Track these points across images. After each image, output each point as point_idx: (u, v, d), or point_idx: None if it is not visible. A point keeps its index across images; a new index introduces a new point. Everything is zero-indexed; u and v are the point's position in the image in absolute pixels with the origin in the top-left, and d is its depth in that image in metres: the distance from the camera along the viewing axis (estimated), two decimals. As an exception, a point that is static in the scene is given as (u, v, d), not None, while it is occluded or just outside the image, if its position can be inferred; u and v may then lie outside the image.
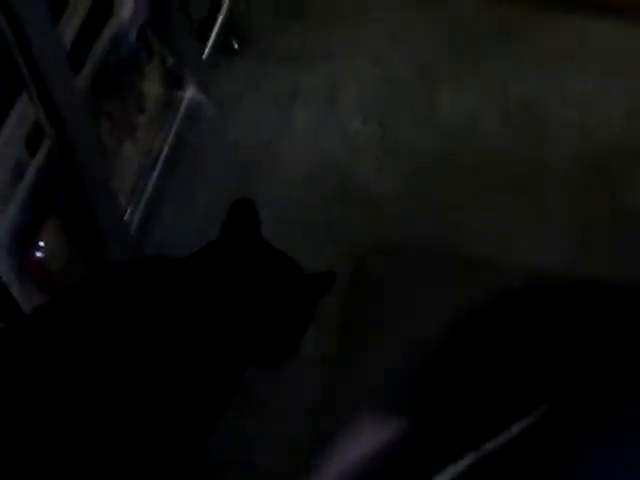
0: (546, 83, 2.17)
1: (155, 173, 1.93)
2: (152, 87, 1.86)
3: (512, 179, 2.05)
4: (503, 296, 1.28)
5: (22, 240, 1.53)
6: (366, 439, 0.91)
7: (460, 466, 0.93)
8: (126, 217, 1.84)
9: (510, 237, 1.98)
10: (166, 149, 1.95)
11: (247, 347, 1.44)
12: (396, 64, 2.22)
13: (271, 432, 1.78)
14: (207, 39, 2.10)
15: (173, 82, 1.95)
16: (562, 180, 2.05)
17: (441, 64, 2.22)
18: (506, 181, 2.05)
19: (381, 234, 2.00)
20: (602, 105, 2.13)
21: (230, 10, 2.16)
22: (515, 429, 0.96)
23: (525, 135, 2.12)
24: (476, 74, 2.19)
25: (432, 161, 2.08)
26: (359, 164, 2.09)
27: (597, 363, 1.18)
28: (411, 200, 2.03)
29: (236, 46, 2.23)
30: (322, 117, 2.16)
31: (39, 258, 1.55)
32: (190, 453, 1.39)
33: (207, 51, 2.10)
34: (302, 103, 2.18)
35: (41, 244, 1.56)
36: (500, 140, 2.11)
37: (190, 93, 1.97)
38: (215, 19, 2.12)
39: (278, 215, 2.02)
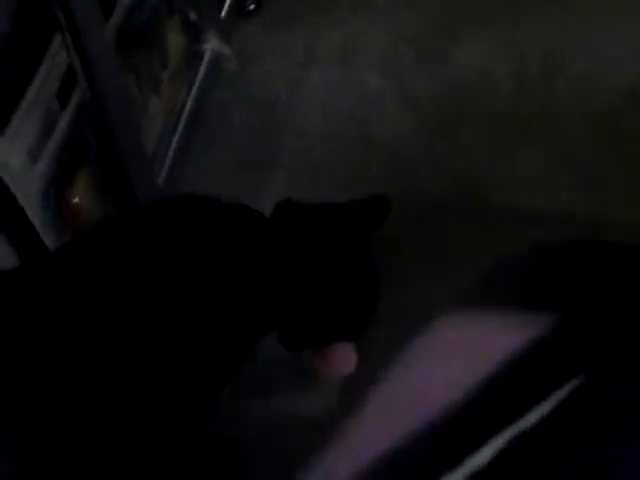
0: (559, 38, 2.21)
1: (179, 128, 1.96)
2: (174, 41, 1.89)
3: (526, 131, 2.08)
4: (535, 250, 1.31)
5: (57, 188, 1.56)
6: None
7: (498, 443, 0.94)
8: (154, 169, 1.87)
9: (527, 188, 2.00)
10: (189, 104, 1.99)
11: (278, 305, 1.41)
12: (411, 20, 2.27)
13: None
14: (224, 1, 2.14)
15: (195, 37, 1.98)
16: (576, 133, 2.08)
17: (455, 20, 2.26)
18: (521, 133, 2.08)
19: (400, 185, 2.03)
20: (615, 60, 2.17)
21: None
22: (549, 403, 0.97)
23: (538, 88, 2.15)
24: (490, 29, 2.22)
25: (448, 113, 2.11)
26: (377, 118, 2.12)
27: (626, 327, 1.21)
28: (429, 152, 2.06)
29: (252, 7, 2.26)
30: (339, 73, 2.19)
31: (74, 205, 1.58)
32: (201, 406, 1.39)
33: (225, 10, 2.13)
34: (319, 60, 2.21)
35: (75, 192, 1.59)
36: (514, 93, 2.14)
37: (212, 46, 2.00)
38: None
39: (299, 169, 2.06)
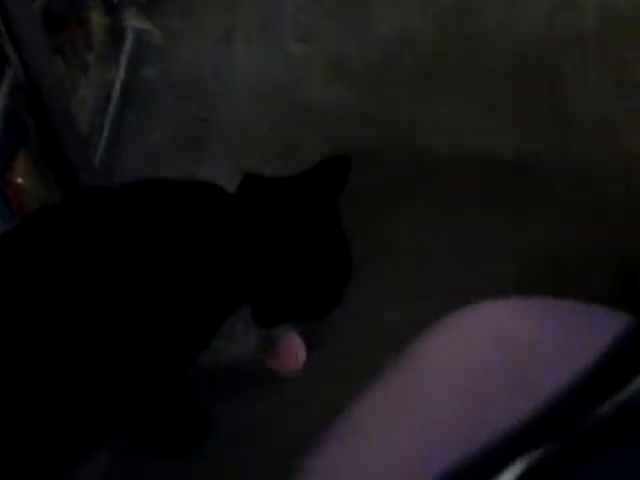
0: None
1: (111, 108, 1.94)
2: (97, 21, 1.87)
3: (453, 80, 2.12)
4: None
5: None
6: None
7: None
8: (89, 151, 1.85)
9: (461, 133, 2.04)
10: (118, 83, 1.97)
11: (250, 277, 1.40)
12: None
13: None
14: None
15: (117, 15, 1.97)
16: (500, 76, 2.13)
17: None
18: (449, 83, 2.12)
19: (340, 149, 2.04)
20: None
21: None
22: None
23: (459, 38, 2.19)
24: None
25: (376, 71, 2.14)
26: (306, 84, 2.13)
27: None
28: (363, 111, 2.08)
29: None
30: (262, 44, 2.20)
31: (17, 186, 1.56)
32: (169, 378, 1.39)
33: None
34: (241, 33, 2.22)
35: (17, 173, 1.57)
36: (437, 45, 2.18)
37: (134, 23, 1.99)
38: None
39: (234, 141, 2.06)
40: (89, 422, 1.32)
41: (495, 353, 0.76)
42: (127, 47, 2.00)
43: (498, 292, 1.07)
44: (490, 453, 0.51)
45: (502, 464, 0.49)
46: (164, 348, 1.33)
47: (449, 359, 0.78)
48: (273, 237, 1.40)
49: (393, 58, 2.14)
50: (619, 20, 2.17)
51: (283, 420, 1.59)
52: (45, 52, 1.59)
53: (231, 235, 1.38)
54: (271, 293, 1.42)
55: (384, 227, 1.89)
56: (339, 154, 1.54)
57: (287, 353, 1.61)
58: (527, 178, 1.97)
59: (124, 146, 2.00)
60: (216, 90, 2.12)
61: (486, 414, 0.66)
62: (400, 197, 1.94)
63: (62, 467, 1.46)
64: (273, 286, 1.41)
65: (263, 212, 1.42)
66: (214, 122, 2.08)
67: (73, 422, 1.30)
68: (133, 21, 1.98)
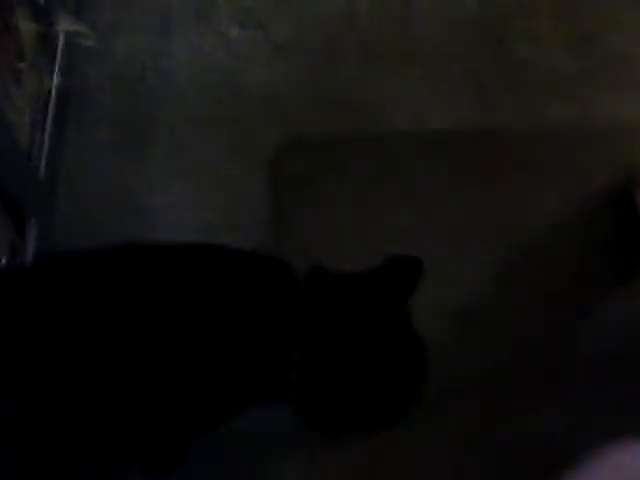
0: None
1: (50, 115, 1.88)
2: (26, 28, 1.81)
3: (400, 54, 2.08)
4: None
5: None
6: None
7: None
8: (33, 162, 1.80)
9: (412, 105, 2.01)
10: (54, 89, 1.91)
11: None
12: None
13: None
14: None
15: (46, 20, 1.90)
16: (445, 46, 2.09)
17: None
18: (394, 58, 2.07)
19: (290, 133, 2.00)
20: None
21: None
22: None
23: (400, 11, 2.14)
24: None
25: (318, 50, 2.09)
26: (250, 69, 2.08)
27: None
28: (308, 92, 2.03)
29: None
30: (200, 32, 2.14)
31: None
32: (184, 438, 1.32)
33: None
34: (178, 23, 2.15)
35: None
36: (378, 19, 2.13)
37: (65, 26, 1.92)
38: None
39: (181, 135, 2.01)
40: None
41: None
42: (60, 51, 1.93)
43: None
44: None
45: None
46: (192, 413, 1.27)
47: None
48: (334, 334, 1.28)
49: (335, 36, 2.09)
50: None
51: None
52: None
53: (289, 325, 1.26)
54: (321, 393, 1.30)
55: (347, 212, 1.87)
56: (409, 255, 1.36)
57: None
58: (490, 146, 1.95)
59: (68, 152, 1.95)
60: (157, 84, 2.06)
61: None
62: (359, 181, 1.90)
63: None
64: (324, 385, 1.29)
65: (328, 308, 1.30)
66: (157, 116, 2.02)
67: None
68: (63, 25, 1.91)
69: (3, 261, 1.70)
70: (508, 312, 1.74)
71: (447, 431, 1.56)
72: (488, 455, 1.54)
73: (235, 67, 2.08)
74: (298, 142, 1.97)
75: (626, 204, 1.81)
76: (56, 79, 1.93)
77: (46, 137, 1.87)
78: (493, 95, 2.02)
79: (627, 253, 1.78)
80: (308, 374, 1.25)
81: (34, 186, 1.78)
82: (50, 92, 1.91)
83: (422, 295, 1.40)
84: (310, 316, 1.26)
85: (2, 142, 1.64)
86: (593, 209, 1.86)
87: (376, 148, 1.95)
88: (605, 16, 2.08)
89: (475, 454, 1.55)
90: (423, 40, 2.09)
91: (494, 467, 1.53)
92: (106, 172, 1.95)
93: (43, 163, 1.84)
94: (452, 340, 1.65)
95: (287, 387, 1.26)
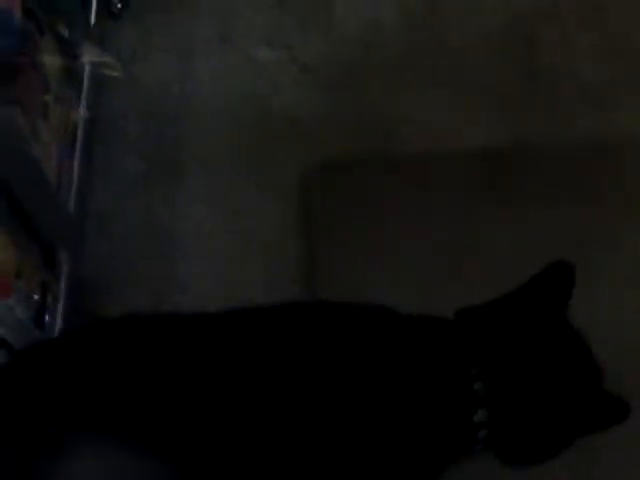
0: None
1: (77, 148, 1.88)
2: (51, 61, 1.80)
3: (428, 71, 2.05)
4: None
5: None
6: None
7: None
8: (61, 196, 1.79)
9: (442, 126, 1.98)
10: (82, 121, 1.91)
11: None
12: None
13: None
14: (90, 4, 2.05)
15: (71, 52, 1.90)
16: (474, 60, 2.06)
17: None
18: (423, 75, 2.05)
19: (315, 157, 1.98)
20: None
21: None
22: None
23: (428, 25, 2.11)
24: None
25: (347, 69, 2.07)
26: (275, 91, 2.06)
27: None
28: (336, 115, 2.01)
29: (119, 6, 2.17)
30: (225, 55, 2.13)
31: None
32: None
33: (93, 16, 2.05)
34: (202, 47, 2.14)
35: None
36: (405, 35, 2.10)
37: (90, 58, 1.92)
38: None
39: (209, 162, 2.00)
40: None
41: None
42: (86, 82, 1.93)
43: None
44: None
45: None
46: None
47: None
48: (512, 361, 1.20)
49: (362, 54, 2.06)
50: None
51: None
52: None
53: (455, 372, 1.19)
54: (511, 428, 1.21)
55: (372, 236, 1.85)
56: (560, 260, 1.25)
57: None
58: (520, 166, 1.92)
59: (96, 184, 1.95)
60: (183, 110, 2.05)
61: None
62: (384, 205, 1.88)
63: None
64: (511, 418, 1.20)
65: (484, 344, 1.21)
66: (184, 143, 2.02)
67: None
68: (88, 56, 1.90)
69: (35, 297, 1.70)
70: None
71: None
72: None
73: (259, 89, 2.07)
74: (326, 167, 1.95)
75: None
76: (82, 111, 1.92)
77: (74, 170, 1.87)
78: (521, 111, 1.99)
79: None
80: (497, 411, 1.18)
81: (63, 220, 1.77)
82: (77, 124, 1.90)
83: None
84: (483, 353, 1.19)
85: (30, 178, 1.64)
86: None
87: (400, 170, 1.92)
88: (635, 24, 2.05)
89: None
90: (451, 57, 2.06)
91: None
92: (135, 203, 1.95)
93: (72, 196, 1.83)
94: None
95: (478, 433, 1.19)
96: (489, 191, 1.89)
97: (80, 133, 1.90)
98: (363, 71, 2.06)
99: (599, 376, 1.21)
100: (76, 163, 1.87)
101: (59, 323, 1.71)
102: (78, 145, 1.89)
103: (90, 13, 2.05)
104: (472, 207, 1.88)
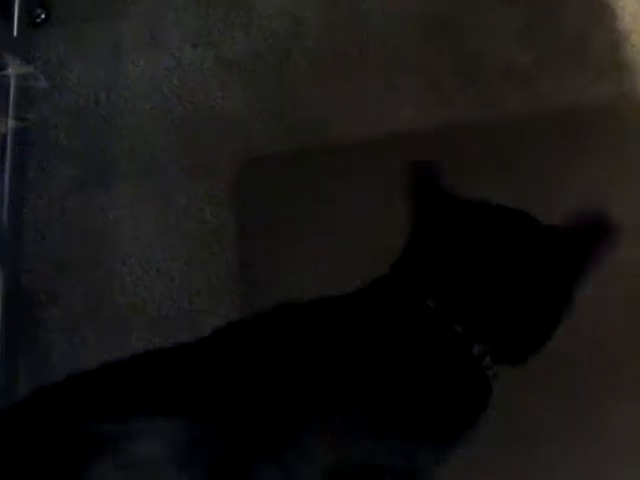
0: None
1: (7, 162, 1.88)
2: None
3: (354, 59, 2.06)
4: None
5: None
6: None
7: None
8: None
9: (371, 112, 2.00)
10: (10, 135, 1.91)
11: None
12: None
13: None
14: (12, 15, 2.05)
15: (-6, 66, 1.90)
16: (399, 44, 2.07)
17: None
18: (349, 63, 2.06)
19: (248, 152, 1.99)
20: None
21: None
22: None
23: (350, 13, 2.12)
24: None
25: (273, 64, 2.07)
26: (204, 89, 2.07)
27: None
28: (266, 109, 2.02)
29: (42, 16, 2.17)
30: (152, 56, 2.13)
31: None
32: None
33: (16, 26, 2.04)
34: (128, 50, 2.14)
35: None
36: (327, 25, 2.11)
37: (14, 70, 1.92)
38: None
39: (141, 164, 2.01)
40: None
41: None
42: (12, 95, 1.93)
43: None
44: None
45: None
46: None
47: None
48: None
49: (286, 47, 2.07)
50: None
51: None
52: None
53: None
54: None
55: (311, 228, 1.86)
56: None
57: None
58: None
59: (30, 194, 1.95)
60: (112, 114, 2.06)
61: None
62: (318, 198, 1.90)
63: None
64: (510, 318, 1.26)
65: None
66: (116, 148, 2.03)
67: None
68: (13, 67, 1.90)
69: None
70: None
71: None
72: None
73: (188, 87, 2.07)
74: (259, 162, 1.97)
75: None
76: (11, 122, 1.92)
77: (6, 181, 1.88)
78: (448, 90, 2.01)
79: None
80: (488, 334, 1.23)
81: (-2, 234, 1.78)
82: (6, 138, 1.90)
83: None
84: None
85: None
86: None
87: (333, 162, 1.94)
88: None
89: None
90: (374, 44, 2.07)
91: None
92: (70, 210, 1.96)
93: (5, 209, 1.84)
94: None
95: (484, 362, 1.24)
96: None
97: (10, 144, 1.91)
98: (289, 64, 2.07)
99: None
100: (7, 176, 1.87)
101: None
102: (8, 157, 1.90)
103: (12, 23, 2.05)
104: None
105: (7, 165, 1.89)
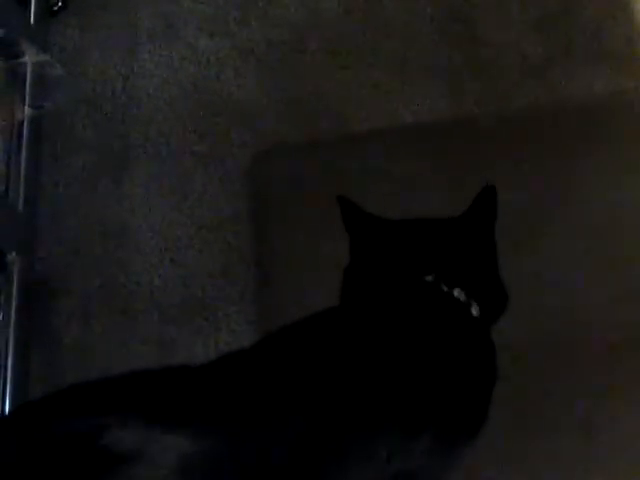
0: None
1: (24, 148, 1.89)
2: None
3: (365, 49, 2.06)
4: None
5: None
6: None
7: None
8: (10, 196, 1.81)
9: (382, 102, 2.00)
10: (26, 122, 1.92)
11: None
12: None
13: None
14: (29, 3, 2.06)
15: (10, 53, 1.91)
16: (414, 38, 2.07)
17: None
18: (364, 55, 2.06)
19: (265, 140, 2.00)
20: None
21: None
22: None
23: (366, 6, 2.12)
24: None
25: (287, 52, 2.08)
26: (220, 78, 2.08)
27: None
28: (282, 97, 2.03)
29: (59, 4, 2.18)
30: (168, 45, 2.13)
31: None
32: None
33: (33, 14, 2.06)
34: (144, 39, 2.15)
35: None
36: (343, 17, 2.11)
37: (30, 58, 1.93)
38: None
39: (157, 152, 2.02)
40: None
41: None
42: (28, 82, 1.94)
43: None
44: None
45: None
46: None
47: None
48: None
49: (303, 37, 2.08)
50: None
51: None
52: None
53: None
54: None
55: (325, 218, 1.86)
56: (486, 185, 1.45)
57: None
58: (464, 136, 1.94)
59: (45, 182, 1.96)
60: (128, 102, 2.07)
61: None
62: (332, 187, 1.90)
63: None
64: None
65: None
66: (132, 135, 2.03)
67: None
68: (29, 55, 1.91)
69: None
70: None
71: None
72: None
73: (204, 77, 2.08)
74: (274, 151, 1.97)
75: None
76: (27, 110, 1.93)
77: (22, 169, 1.89)
78: (462, 82, 2.01)
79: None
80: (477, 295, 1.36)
81: (12, 220, 1.79)
82: (22, 124, 1.92)
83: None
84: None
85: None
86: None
87: (350, 147, 1.95)
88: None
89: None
90: (390, 35, 2.08)
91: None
92: (86, 198, 1.97)
93: (21, 195, 1.85)
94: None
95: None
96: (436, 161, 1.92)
97: (26, 132, 1.92)
98: (304, 54, 2.07)
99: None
100: (23, 163, 1.89)
101: (12, 322, 1.73)
102: (24, 144, 1.91)
103: (29, 11, 2.06)
104: (424, 181, 1.90)
105: (23, 152, 1.90)
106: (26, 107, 1.93)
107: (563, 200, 1.82)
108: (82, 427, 1.05)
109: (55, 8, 2.16)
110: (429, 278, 1.33)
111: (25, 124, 1.93)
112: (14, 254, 1.76)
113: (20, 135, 1.91)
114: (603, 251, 1.78)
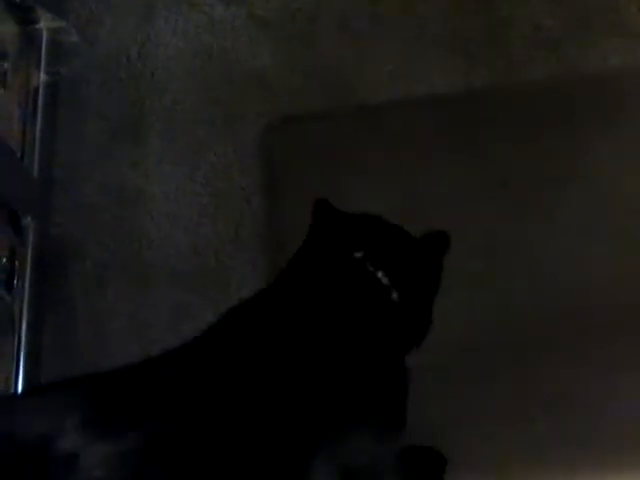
0: None
1: (39, 112, 1.90)
2: (5, 28, 1.82)
3: (380, 21, 2.05)
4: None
5: None
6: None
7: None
8: (25, 162, 1.82)
9: (399, 74, 2.00)
10: (42, 86, 1.92)
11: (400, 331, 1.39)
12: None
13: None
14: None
15: (26, 18, 1.91)
16: (426, 9, 2.06)
17: None
18: (375, 26, 2.05)
19: (281, 110, 2.00)
20: None
21: None
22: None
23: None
24: None
25: (302, 22, 2.07)
26: (235, 47, 2.07)
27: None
28: (297, 66, 2.03)
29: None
30: (183, 13, 2.13)
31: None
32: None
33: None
34: (160, 6, 2.14)
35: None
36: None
37: (46, 23, 1.93)
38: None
39: (171, 120, 2.02)
40: None
41: None
42: (44, 47, 1.94)
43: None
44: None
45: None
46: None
47: None
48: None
49: (317, 9, 2.07)
50: None
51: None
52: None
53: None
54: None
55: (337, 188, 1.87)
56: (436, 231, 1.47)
57: None
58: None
59: (60, 147, 1.97)
60: (143, 71, 2.07)
61: None
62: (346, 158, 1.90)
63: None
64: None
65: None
66: (147, 104, 2.04)
67: None
68: (45, 20, 1.92)
69: (4, 261, 1.73)
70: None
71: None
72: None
73: (220, 46, 2.08)
74: (289, 120, 1.97)
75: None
76: (43, 76, 1.94)
77: (37, 135, 1.90)
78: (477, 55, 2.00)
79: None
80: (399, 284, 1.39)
81: (28, 185, 1.80)
82: (38, 90, 1.92)
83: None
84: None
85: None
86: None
87: (365, 119, 1.95)
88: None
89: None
90: (405, 8, 2.07)
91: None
92: (100, 164, 1.97)
93: (36, 161, 1.86)
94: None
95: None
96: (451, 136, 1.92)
97: (41, 99, 1.93)
98: (320, 24, 2.06)
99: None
100: (38, 128, 1.89)
101: (27, 287, 1.75)
102: (40, 110, 1.92)
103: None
104: (440, 152, 1.91)
105: (38, 118, 1.91)
106: (42, 73, 1.94)
107: (579, 170, 1.82)
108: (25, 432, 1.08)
109: (71, -26, 2.15)
110: (358, 255, 1.37)
111: (40, 90, 1.93)
112: (29, 218, 1.77)
113: (35, 101, 1.92)
114: (618, 220, 1.79)
